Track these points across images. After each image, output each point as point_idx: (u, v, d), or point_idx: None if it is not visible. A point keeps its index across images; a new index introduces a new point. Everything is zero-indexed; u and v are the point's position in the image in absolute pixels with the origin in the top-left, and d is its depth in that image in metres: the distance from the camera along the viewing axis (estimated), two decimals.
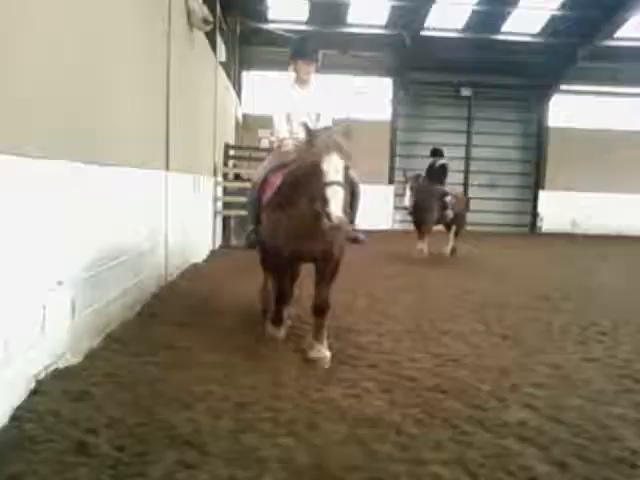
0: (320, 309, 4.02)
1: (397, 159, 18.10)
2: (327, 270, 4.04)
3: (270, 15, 15.88)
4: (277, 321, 4.37)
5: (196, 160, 8.00)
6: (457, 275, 8.34)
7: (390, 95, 18.20)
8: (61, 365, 3.24)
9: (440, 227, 10.49)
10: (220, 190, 10.47)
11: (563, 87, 18.26)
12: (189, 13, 7.03)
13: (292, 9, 15.61)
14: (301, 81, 4.57)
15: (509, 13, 15.66)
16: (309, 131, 3.70)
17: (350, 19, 16.14)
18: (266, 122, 5.40)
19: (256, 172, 4.98)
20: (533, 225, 19.00)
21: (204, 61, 8.76)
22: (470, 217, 13.15)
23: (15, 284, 2.72)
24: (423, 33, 16.03)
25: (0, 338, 2.59)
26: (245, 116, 16.42)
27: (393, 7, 15.55)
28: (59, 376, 3.12)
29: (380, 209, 17.36)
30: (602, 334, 5.07)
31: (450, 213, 9.98)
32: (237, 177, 11.56)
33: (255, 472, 2.38)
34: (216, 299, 5.72)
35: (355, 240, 4.37)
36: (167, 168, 5.93)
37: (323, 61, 4.66)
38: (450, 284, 7.44)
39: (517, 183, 19.04)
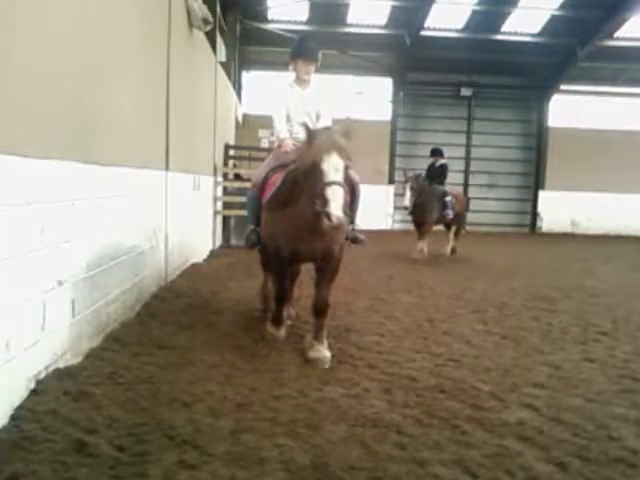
0: (320, 309, 4.04)
1: (397, 159, 18.10)
2: (327, 270, 4.05)
3: (270, 15, 15.88)
4: (277, 321, 4.37)
5: (196, 160, 7.99)
6: (457, 275, 8.34)
7: (390, 95, 18.20)
8: (61, 365, 3.24)
9: (440, 227, 10.50)
10: (220, 190, 10.47)
11: (563, 87, 18.25)
12: (189, 13, 7.03)
13: (292, 9, 15.60)
14: (301, 81, 4.57)
15: (509, 13, 15.66)
16: (309, 131, 3.70)
17: (350, 19, 16.14)
18: (266, 122, 5.40)
19: (256, 172, 4.98)
20: (533, 225, 18.99)
21: (204, 61, 8.75)
22: (470, 217, 13.15)
23: (15, 284, 2.72)
24: (423, 33, 16.02)
25: (1, 338, 2.59)
26: (245, 116, 16.41)
27: (393, 7, 15.55)
28: (59, 376, 3.11)
29: (380, 209, 17.38)
30: (602, 334, 5.07)
31: (450, 213, 9.98)
32: (237, 177, 11.56)
33: (255, 472, 2.38)
34: (216, 299, 5.72)
35: (355, 240, 4.38)
36: (167, 168, 5.93)
37: (323, 61, 4.64)
38: (450, 284, 7.44)
39: (517, 183, 19.02)
